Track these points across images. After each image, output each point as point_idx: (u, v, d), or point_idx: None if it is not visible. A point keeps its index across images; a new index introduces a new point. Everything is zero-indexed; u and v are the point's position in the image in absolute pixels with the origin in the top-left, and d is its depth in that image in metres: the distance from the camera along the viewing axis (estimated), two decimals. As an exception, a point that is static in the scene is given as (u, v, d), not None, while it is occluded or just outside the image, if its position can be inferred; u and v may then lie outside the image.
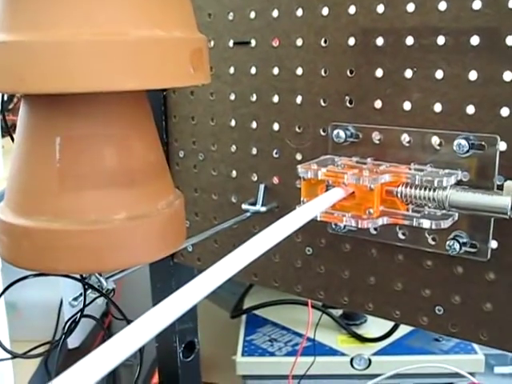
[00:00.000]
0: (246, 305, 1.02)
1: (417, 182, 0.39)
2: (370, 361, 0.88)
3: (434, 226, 0.39)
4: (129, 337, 0.25)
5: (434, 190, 0.38)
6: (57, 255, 0.34)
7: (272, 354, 0.90)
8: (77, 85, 0.30)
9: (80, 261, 0.34)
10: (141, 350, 0.46)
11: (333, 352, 0.90)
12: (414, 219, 0.39)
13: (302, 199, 0.41)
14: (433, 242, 0.43)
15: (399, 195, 0.39)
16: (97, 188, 0.33)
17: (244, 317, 1.01)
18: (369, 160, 0.43)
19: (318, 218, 0.40)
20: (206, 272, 0.29)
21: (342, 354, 0.89)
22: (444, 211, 0.39)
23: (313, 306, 0.92)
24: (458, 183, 0.40)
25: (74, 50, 0.30)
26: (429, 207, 0.39)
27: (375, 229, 0.45)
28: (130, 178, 0.34)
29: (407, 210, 0.40)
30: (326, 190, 0.40)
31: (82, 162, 0.33)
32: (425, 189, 0.39)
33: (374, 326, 0.93)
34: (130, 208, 0.34)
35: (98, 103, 0.33)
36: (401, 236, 0.44)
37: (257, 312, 1.01)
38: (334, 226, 0.46)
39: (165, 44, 0.32)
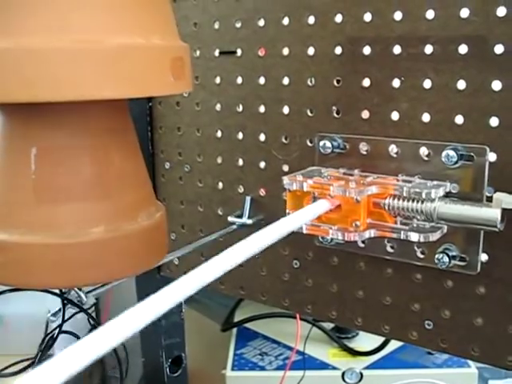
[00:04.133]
0: (238, 317, 1.01)
1: (404, 194, 0.38)
2: (361, 375, 0.86)
3: (422, 239, 0.38)
4: (93, 342, 0.24)
5: (422, 202, 0.38)
6: (32, 269, 0.33)
7: (262, 368, 0.88)
8: (51, 94, 0.29)
9: (56, 275, 0.33)
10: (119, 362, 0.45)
11: (324, 366, 0.88)
12: (402, 232, 0.38)
13: (287, 211, 0.40)
14: (422, 256, 0.42)
15: (387, 207, 0.38)
16: (73, 200, 0.32)
17: (235, 330, 0.99)
18: (356, 171, 0.42)
19: (304, 231, 0.40)
20: (181, 279, 0.28)
21: (334, 368, 0.88)
22: (433, 224, 0.38)
23: (304, 319, 0.90)
24: (448, 195, 0.39)
25: (47, 58, 0.29)
26: (417, 220, 0.39)
27: (363, 242, 0.44)
28: (108, 189, 0.33)
29: (395, 222, 0.39)
30: (313, 202, 0.40)
31: (58, 173, 0.32)
32: (413, 201, 0.38)
33: (366, 339, 0.92)
34: (108, 221, 0.33)
35: (75, 113, 0.32)
36: (389, 249, 0.43)
37: (248, 325, 0.99)
38: (320, 239, 0.45)
39: (143, 51, 0.31)
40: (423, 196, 0.37)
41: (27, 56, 0.29)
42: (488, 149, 0.38)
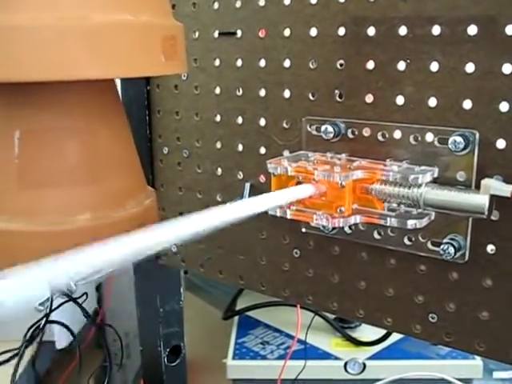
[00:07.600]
0: (239, 306, 1.00)
1: (391, 179, 0.37)
2: (364, 365, 0.85)
3: (408, 226, 0.37)
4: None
5: (409, 188, 0.36)
6: (15, 258, 0.31)
7: (264, 358, 0.87)
8: (36, 73, 0.28)
9: (40, 264, 0.31)
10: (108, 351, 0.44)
11: (326, 356, 0.87)
12: (388, 218, 0.37)
13: None
14: (432, 247, 0.40)
15: (373, 192, 0.37)
16: (59, 186, 0.31)
17: (236, 318, 0.98)
18: (343, 156, 0.41)
19: (288, 216, 0.38)
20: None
21: (336, 358, 0.87)
22: (420, 210, 0.37)
23: (306, 308, 0.89)
24: (457, 183, 0.37)
25: (33, 35, 0.28)
26: (404, 206, 0.37)
27: (350, 227, 0.42)
28: (95, 174, 0.32)
29: (383, 208, 0.38)
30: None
31: (42, 157, 0.31)
32: (399, 186, 0.37)
33: (370, 329, 0.90)
34: (95, 208, 0.32)
35: (60, 94, 0.31)
36: (377, 236, 0.42)
37: (250, 313, 0.98)
38: (321, 228, 0.44)
39: (131, 29, 0.29)
40: (410, 181, 0.36)
41: (12, 34, 0.28)
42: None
